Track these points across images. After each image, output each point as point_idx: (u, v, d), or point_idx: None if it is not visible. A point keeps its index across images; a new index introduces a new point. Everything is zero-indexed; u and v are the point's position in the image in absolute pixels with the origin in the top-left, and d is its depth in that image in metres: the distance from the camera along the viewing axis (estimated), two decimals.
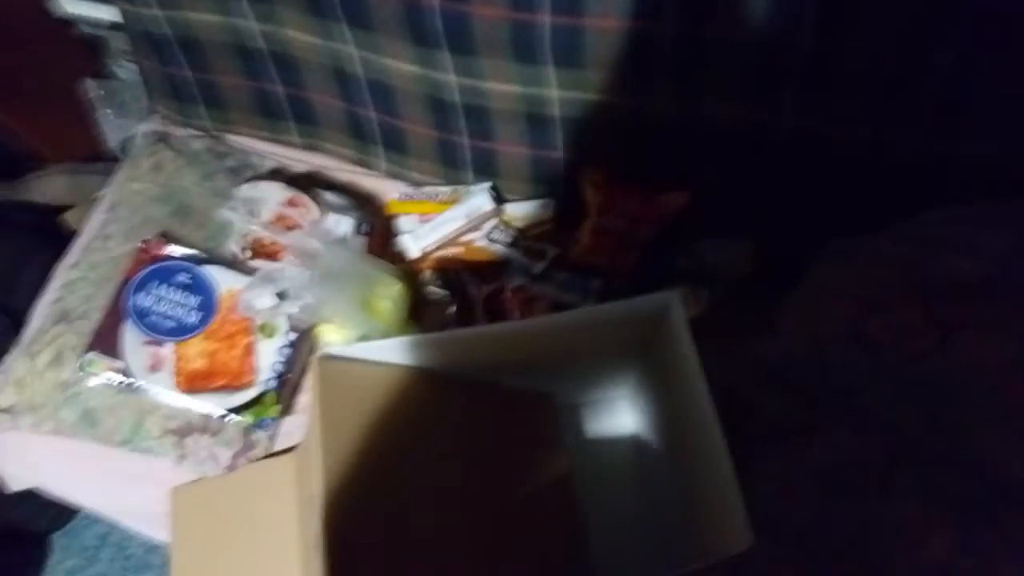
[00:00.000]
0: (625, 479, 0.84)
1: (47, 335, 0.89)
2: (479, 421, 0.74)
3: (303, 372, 0.90)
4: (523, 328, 0.65)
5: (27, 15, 1.12)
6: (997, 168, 0.76)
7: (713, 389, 0.70)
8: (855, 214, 0.80)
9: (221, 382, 0.86)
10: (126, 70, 1.23)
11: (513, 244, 0.91)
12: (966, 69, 0.70)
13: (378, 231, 0.97)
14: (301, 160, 1.07)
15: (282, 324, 0.88)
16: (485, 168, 0.96)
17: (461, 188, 0.99)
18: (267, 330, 0.88)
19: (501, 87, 0.85)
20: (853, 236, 0.80)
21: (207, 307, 0.88)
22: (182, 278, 0.89)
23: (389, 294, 0.87)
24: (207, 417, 0.86)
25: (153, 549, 1.23)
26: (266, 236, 0.90)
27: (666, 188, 0.88)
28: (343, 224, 0.95)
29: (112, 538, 1.26)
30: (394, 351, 0.65)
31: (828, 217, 0.83)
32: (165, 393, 0.85)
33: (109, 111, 1.20)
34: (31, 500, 1.03)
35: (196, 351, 0.87)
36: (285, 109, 1.04)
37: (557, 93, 0.84)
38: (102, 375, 0.85)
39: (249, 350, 0.87)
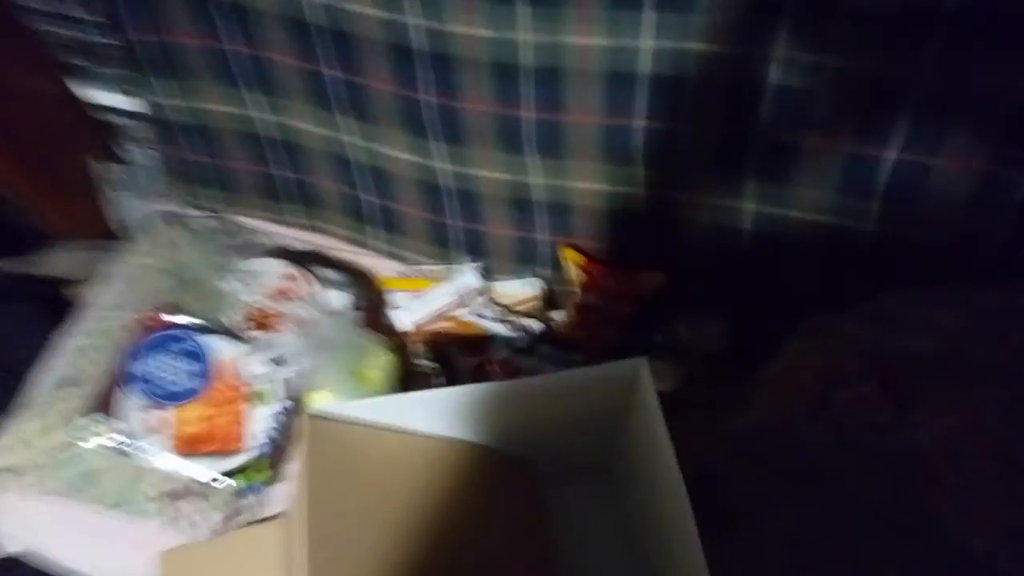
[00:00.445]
0: (606, 552, 0.85)
1: (53, 397, 0.93)
2: (463, 486, 0.77)
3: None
4: (501, 389, 0.70)
5: (54, 100, 1.22)
6: (948, 255, 0.82)
7: (686, 462, 0.73)
8: (820, 296, 0.86)
9: (215, 446, 0.90)
10: (143, 155, 1.32)
11: (499, 319, 0.97)
12: (912, 167, 0.77)
13: (373, 306, 1.03)
14: (304, 240, 1.14)
15: (276, 391, 0.92)
16: (475, 248, 1.03)
17: (453, 267, 1.05)
18: (262, 397, 0.92)
19: (489, 174, 0.92)
20: (819, 316, 0.86)
21: (206, 374, 0.93)
22: (184, 345, 0.94)
23: (380, 364, 0.92)
24: (200, 481, 0.89)
25: None
26: (266, 307, 0.96)
27: (644, 268, 0.94)
28: (340, 299, 1.00)
29: None
30: (379, 409, 0.69)
31: (796, 298, 0.88)
32: (162, 456, 0.89)
33: (126, 193, 1.28)
34: (20, 569, 1.04)
35: (194, 415, 0.91)
36: (292, 192, 1.11)
37: (541, 180, 0.91)
38: (102, 437, 0.89)
39: (244, 416, 0.91)
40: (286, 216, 1.15)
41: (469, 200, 0.97)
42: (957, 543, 0.65)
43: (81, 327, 1.01)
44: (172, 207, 1.18)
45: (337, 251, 1.13)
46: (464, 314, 0.99)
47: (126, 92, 1.17)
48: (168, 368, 0.93)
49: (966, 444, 0.69)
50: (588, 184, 0.89)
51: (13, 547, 0.96)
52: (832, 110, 0.77)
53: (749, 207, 0.84)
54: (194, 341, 0.95)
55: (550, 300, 0.99)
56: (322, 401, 0.92)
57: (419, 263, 1.08)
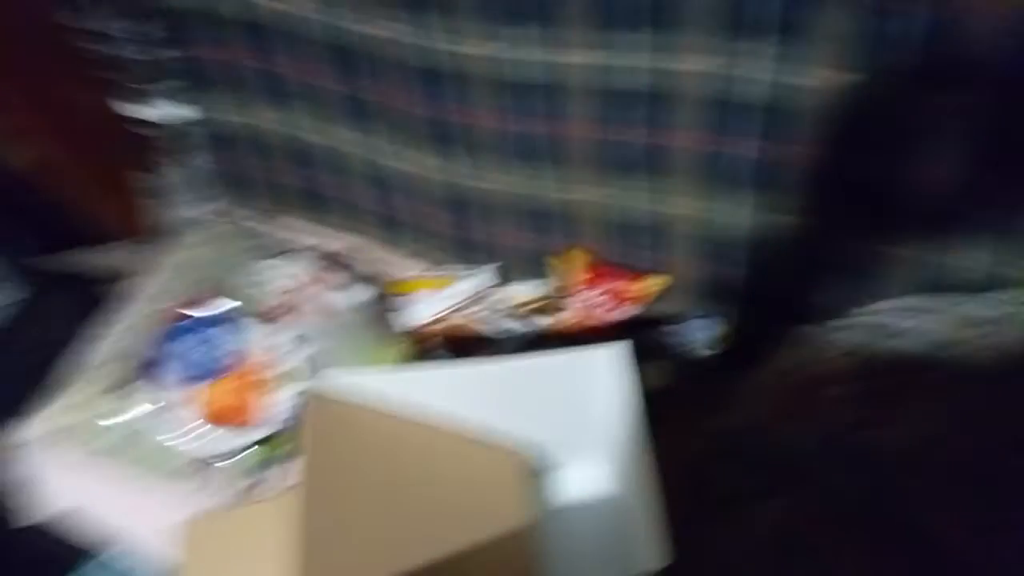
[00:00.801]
0: (593, 539, 0.89)
1: (102, 369, 1.03)
2: (456, 472, 0.83)
3: None
4: (492, 367, 0.75)
5: (111, 112, 1.32)
6: (932, 266, 0.85)
7: (677, 458, 0.77)
8: (812, 304, 0.90)
9: (242, 419, 0.97)
10: (193, 164, 1.43)
11: (508, 317, 1.03)
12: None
13: (394, 302, 1.10)
14: (337, 239, 1.23)
15: (301, 372, 1.00)
16: (492, 252, 1.09)
17: (471, 268, 1.12)
18: (288, 377, 1.00)
19: (505, 183, 0.99)
20: (811, 321, 0.89)
21: (237, 354, 1.01)
22: (218, 328, 1.02)
23: (394, 353, 0.99)
24: (227, 451, 0.96)
25: None
26: (295, 296, 1.04)
27: (647, 272, 0.99)
28: (365, 293, 1.08)
29: None
30: (381, 382, 0.75)
31: (788, 306, 0.92)
32: (192, 427, 0.97)
33: (176, 197, 1.39)
34: (55, 535, 1.13)
35: (224, 391, 0.99)
36: (329, 196, 1.20)
37: (553, 189, 0.97)
38: (141, 406, 0.98)
39: (270, 393, 0.99)
40: (323, 218, 1.23)
41: (488, 207, 1.04)
42: (934, 539, 0.67)
43: (129, 309, 1.11)
44: (219, 208, 1.28)
45: (367, 251, 1.22)
46: (476, 312, 1.06)
47: (179, 104, 1.28)
48: (202, 348, 1.01)
49: (945, 443, 0.71)
50: (593, 192, 0.95)
51: (57, 508, 1.05)
52: None
53: (746, 217, 0.89)
54: (228, 325, 1.03)
55: (558, 301, 1.05)
56: None
57: (442, 265, 1.16)
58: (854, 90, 0.75)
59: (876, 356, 0.82)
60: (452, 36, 0.86)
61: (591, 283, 0.99)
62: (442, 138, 0.98)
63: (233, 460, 0.96)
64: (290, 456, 0.98)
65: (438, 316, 1.06)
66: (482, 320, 1.05)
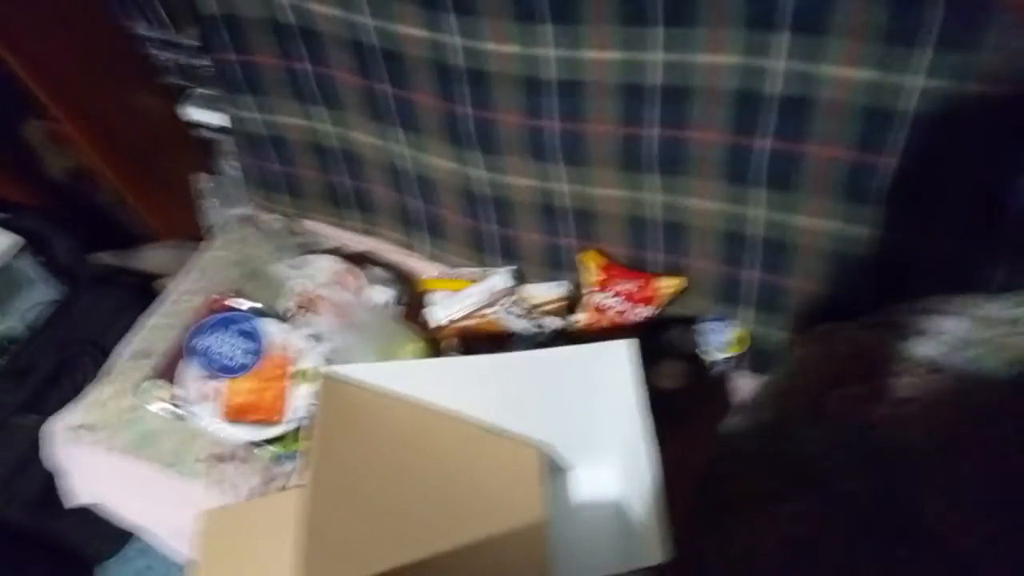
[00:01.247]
0: (596, 535, 0.89)
1: (128, 366, 1.06)
2: (468, 461, 0.83)
3: None
4: (502, 360, 0.76)
5: (160, 119, 1.38)
6: (952, 267, 0.83)
7: (689, 462, 0.77)
8: (830, 304, 0.88)
9: (260, 416, 0.99)
10: (232, 168, 1.47)
11: (524, 317, 1.03)
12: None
13: (413, 302, 1.12)
14: (359, 242, 1.25)
15: (318, 371, 1.01)
16: (509, 252, 1.10)
17: (489, 270, 1.12)
18: (305, 375, 1.01)
19: (521, 182, 1.00)
20: (828, 323, 0.88)
21: (258, 352, 1.03)
22: (241, 326, 1.05)
23: (411, 351, 1.00)
24: (243, 445, 0.98)
25: None
26: (316, 296, 1.06)
27: (664, 273, 0.99)
28: (385, 294, 1.10)
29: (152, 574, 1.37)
30: (390, 373, 0.76)
31: (805, 305, 0.91)
32: (212, 422, 0.99)
33: (215, 200, 1.43)
34: (88, 525, 1.17)
35: (244, 388, 1.01)
36: (350, 198, 1.22)
37: (567, 187, 0.97)
38: (164, 402, 1.00)
39: (288, 391, 1.01)
40: (345, 221, 1.26)
41: (504, 207, 1.04)
42: (945, 542, 0.66)
43: (158, 309, 1.14)
44: (251, 211, 1.31)
45: (387, 252, 1.23)
46: (493, 312, 1.06)
47: (216, 109, 1.32)
48: (226, 345, 1.03)
49: (956, 447, 0.70)
50: (607, 190, 0.95)
51: (85, 498, 1.08)
52: None
53: (759, 214, 0.88)
54: (251, 323, 1.05)
55: (574, 301, 1.05)
56: None
57: (460, 266, 1.17)
58: (870, 87, 0.74)
59: (890, 358, 0.80)
60: (466, 31, 0.87)
61: (606, 284, 0.98)
62: (459, 138, 0.99)
63: (253, 454, 0.98)
64: (304, 453, 0.99)
65: (455, 317, 1.07)
66: (498, 321, 1.05)
